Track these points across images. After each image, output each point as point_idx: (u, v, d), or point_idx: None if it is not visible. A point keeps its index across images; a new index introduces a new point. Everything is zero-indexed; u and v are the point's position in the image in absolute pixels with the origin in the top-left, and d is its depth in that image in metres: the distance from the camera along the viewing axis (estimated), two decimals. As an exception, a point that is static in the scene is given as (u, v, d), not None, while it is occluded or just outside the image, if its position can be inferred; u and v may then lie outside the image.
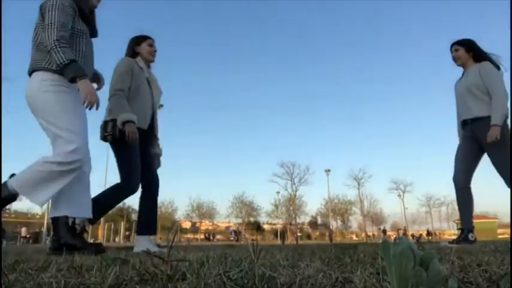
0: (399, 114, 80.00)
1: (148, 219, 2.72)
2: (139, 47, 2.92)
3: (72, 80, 2.07)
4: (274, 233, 55.89)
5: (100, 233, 34.13)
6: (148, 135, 2.83)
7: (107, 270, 0.79)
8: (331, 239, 35.67)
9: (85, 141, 2.13)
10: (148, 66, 2.98)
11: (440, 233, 51.49)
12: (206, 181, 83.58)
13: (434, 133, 74.14)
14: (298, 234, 46.32)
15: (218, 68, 78.00)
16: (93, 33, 2.46)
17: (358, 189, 51.18)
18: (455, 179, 3.17)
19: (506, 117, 2.97)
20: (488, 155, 3.02)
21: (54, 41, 2.06)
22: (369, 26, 76.48)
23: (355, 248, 2.06)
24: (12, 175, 2.06)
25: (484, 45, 3.21)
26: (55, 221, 2.13)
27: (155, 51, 2.97)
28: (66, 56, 2.06)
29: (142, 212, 2.73)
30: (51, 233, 2.16)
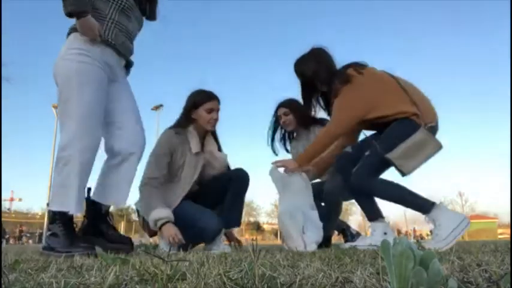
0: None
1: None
2: (196, 111, 2.34)
3: (70, 16, 1.76)
4: (275, 233, 55.86)
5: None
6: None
7: (107, 270, 0.79)
8: None
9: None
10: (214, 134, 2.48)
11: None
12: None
13: (434, 133, 73.99)
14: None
15: (214, 67, 78.10)
16: (146, 13, 2.14)
17: (358, 189, 50.90)
18: None
19: None
20: None
21: None
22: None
23: (355, 248, 2.06)
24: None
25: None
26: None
27: (216, 119, 2.36)
28: None
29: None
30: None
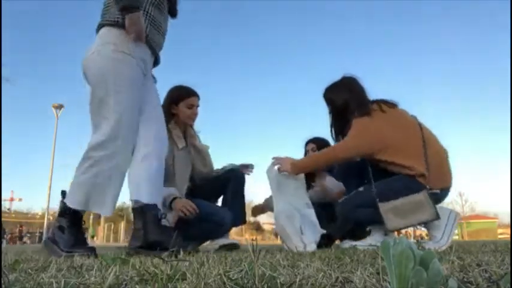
0: (399, 114, 79.37)
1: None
2: (176, 107, 2.40)
3: (123, 9, 1.67)
4: (275, 233, 55.88)
5: (100, 234, 34.16)
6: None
7: (107, 270, 0.79)
8: None
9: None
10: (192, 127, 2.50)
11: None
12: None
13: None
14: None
15: (214, 67, 78.13)
16: (171, 11, 2.04)
17: (358, 189, 50.99)
18: None
19: None
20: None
21: None
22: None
23: (355, 248, 2.06)
24: None
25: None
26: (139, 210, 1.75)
27: (196, 114, 2.44)
28: None
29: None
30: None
